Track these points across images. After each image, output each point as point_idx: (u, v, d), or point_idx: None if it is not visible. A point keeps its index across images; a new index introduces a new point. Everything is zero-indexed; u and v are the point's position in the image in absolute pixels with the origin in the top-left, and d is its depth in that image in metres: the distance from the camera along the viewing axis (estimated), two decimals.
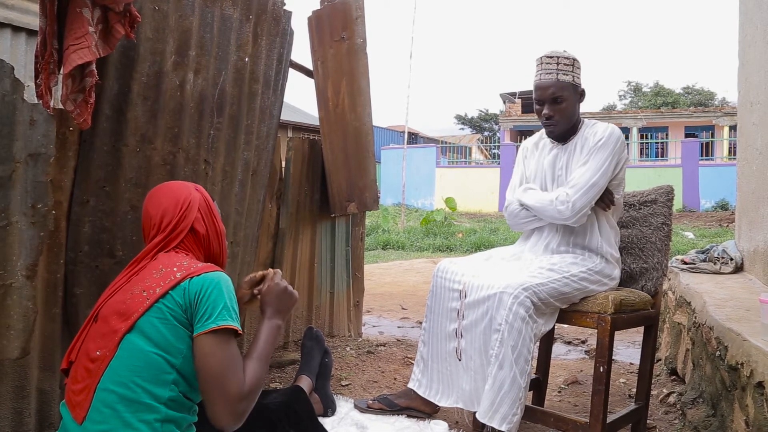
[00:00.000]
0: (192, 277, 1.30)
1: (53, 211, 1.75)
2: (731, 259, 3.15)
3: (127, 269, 1.40)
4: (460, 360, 2.09)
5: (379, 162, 19.16)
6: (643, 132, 21.80)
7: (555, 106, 2.12)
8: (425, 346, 2.23)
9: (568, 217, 2.07)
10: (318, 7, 3.17)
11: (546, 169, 2.22)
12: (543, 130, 2.27)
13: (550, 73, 2.11)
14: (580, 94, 2.17)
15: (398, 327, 4.39)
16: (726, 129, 20.25)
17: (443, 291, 2.16)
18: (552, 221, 2.15)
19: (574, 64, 2.13)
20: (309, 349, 2.39)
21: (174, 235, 1.41)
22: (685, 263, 3.26)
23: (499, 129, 26.03)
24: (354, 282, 3.56)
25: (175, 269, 1.32)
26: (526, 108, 23.19)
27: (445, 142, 24.50)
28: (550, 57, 2.12)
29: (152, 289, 1.30)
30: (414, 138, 25.28)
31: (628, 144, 19.84)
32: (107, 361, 1.25)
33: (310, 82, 3.21)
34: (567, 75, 2.11)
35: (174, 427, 1.26)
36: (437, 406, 2.28)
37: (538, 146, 2.30)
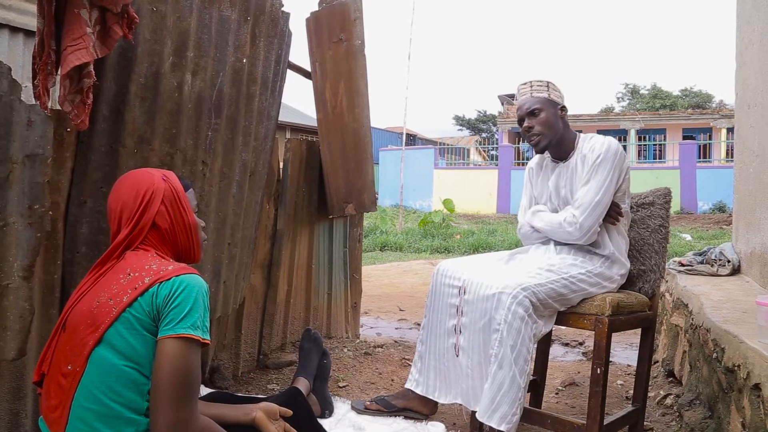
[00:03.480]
0: (161, 282, 1.22)
1: (50, 212, 1.75)
2: (728, 261, 3.16)
3: (93, 271, 1.32)
4: (457, 356, 2.09)
5: (377, 163, 19.17)
6: (641, 134, 21.84)
7: (533, 118, 2.23)
8: (423, 345, 2.24)
9: (578, 238, 2.13)
10: (316, 8, 3.17)
11: (551, 190, 2.28)
12: None
13: (524, 94, 2.27)
14: (561, 109, 2.24)
15: (396, 328, 4.40)
16: (723, 131, 20.30)
17: (443, 287, 2.18)
18: (563, 241, 2.20)
19: (548, 85, 2.26)
20: (307, 350, 2.38)
21: (136, 232, 1.31)
22: (683, 265, 3.27)
23: (497, 130, 26.07)
24: (352, 283, 3.56)
25: (143, 273, 1.24)
26: None
27: (444, 144, 24.51)
28: (524, 83, 2.30)
29: (119, 297, 1.22)
30: (412, 139, 25.29)
31: (625, 146, 20.01)
32: (78, 377, 1.19)
33: (309, 84, 3.21)
34: (542, 93, 2.24)
35: None
36: (435, 406, 2.28)
37: (542, 166, 2.37)
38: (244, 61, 2.26)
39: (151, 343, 1.21)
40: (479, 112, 36.55)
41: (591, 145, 2.19)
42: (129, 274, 1.25)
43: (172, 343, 1.19)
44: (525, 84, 2.29)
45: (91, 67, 1.60)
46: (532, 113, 2.22)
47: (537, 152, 2.30)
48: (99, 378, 1.19)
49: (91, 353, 1.20)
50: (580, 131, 2.28)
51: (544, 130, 2.21)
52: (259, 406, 1.50)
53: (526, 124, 2.24)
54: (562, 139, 2.24)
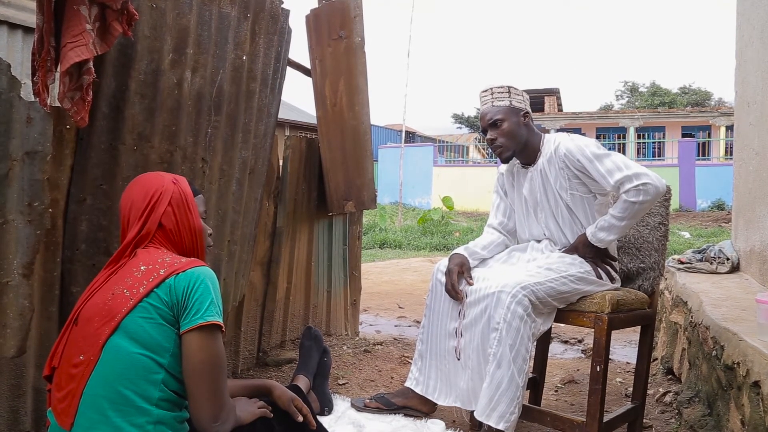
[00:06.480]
0: (177, 274, 1.27)
1: (50, 210, 1.74)
2: (727, 259, 3.16)
3: (106, 269, 1.35)
4: (458, 359, 2.09)
5: (377, 161, 19.17)
6: (640, 132, 21.84)
7: (496, 129, 2.21)
8: (423, 344, 2.24)
9: (655, 195, 1.99)
10: (316, 5, 3.16)
11: (527, 196, 2.26)
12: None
13: (486, 103, 2.24)
14: (524, 116, 2.22)
15: (395, 326, 4.40)
16: (723, 129, 20.30)
17: (443, 287, 2.17)
18: (644, 213, 2.08)
19: (509, 90, 2.22)
20: (307, 348, 2.38)
21: (145, 231, 1.35)
22: (682, 263, 3.27)
23: None
24: (351, 281, 3.56)
25: (157, 266, 1.28)
26: None
27: (443, 141, 24.51)
28: (485, 90, 2.26)
29: (135, 288, 1.25)
30: (411, 137, 25.28)
31: (624, 144, 20.01)
32: (92, 365, 1.21)
33: (308, 81, 3.21)
34: (503, 100, 2.21)
35: (166, 428, 1.23)
36: (434, 405, 2.28)
37: (513, 173, 2.35)
38: (244, 58, 2.26)
39: (168, 333, 1.25)
40: (478, 109, 36.54)
41: (561, 146, 2.13)
42: (143, 268, 1.29)
43: (200, 333, 1.24)
44: (486, 91, 2.25)
45: (91, 64, 1.60)
46: (494, 124, 2.20)
47: (502, 162, 2.27)
48: (114, 366, 1.21)
49: (107, 342, 1.22)
50: (567, 130, 2.23)
51: (507, 141, 2.19)
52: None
53: (489, 135, 2.22)
54: (527, 145, 2.22)
